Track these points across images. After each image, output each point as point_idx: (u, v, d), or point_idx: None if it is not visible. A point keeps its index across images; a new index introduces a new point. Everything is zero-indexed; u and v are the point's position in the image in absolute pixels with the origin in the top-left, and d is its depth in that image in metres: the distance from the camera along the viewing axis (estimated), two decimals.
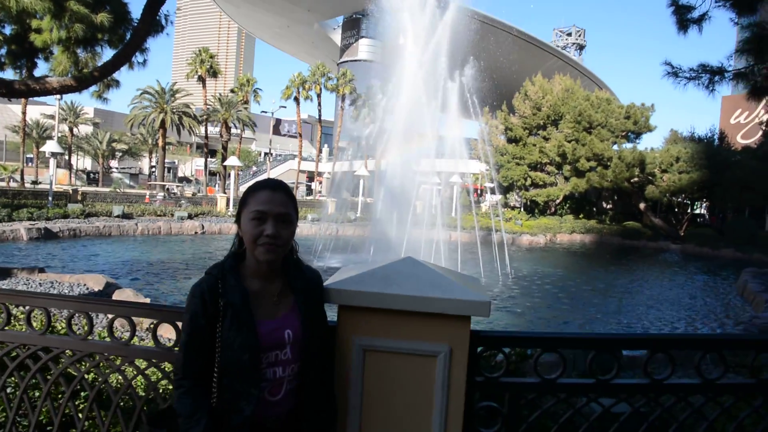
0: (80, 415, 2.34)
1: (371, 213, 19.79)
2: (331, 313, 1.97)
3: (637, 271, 22.10)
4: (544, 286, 16.25)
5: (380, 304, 1.86)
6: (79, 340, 2.29)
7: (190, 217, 28.41)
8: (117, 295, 10.31)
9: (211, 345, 1.75)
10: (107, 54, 9.75)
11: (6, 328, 2.40)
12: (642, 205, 38.43)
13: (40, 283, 11.33)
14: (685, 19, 7.57)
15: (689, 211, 42.00)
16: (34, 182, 46.51)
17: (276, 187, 1.84)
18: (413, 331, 1.87)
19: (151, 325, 2.33)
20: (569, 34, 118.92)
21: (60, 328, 2.92)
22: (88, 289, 11.22)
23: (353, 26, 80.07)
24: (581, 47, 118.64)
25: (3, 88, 7.60)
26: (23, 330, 2.44)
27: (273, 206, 1.78)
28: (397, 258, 2.00)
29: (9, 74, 11.23)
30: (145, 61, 9.68)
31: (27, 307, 2.40)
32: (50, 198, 26.64)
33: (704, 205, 46.17)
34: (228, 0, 77.66)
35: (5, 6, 6.29)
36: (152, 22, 9.50)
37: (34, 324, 2.46)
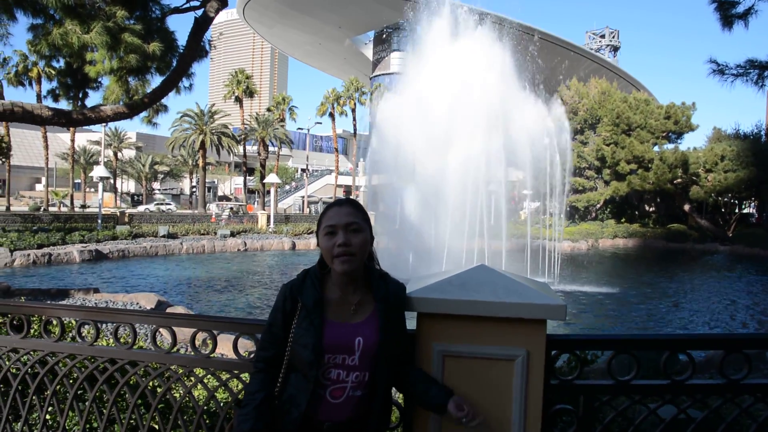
0: (166, 426, 2.46)
1: (408, 224, 19.82)
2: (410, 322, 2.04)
3: (685, 275, 21.49)
4: (590, 292, 15.98)
5: (459, 310, 1.92)
6: (163, 353, 2.42)
7: (232, 234, 29.01)
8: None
9: (284, 338, 1.92)
10: (155, 81, 10.16)
11: (95, 343, 2.56)
12: (686, 207, 37.39)
13: (95, 303, 11.78)
14: (729, 15, 7.43)
15: (737, 210, 40.62)
16: (83, 206, 48.30)
17: (342, 202, 1.99)
18: (491, 335, 1.93)
19: (211, 337, 2.44)
20: (602, 36, 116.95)
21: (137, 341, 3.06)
22: (140, 307, 11.57)
23: (385, 40, 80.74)
24: (615, 49, 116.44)
25: (63, 119, 8.02)
26: (111, 345, 2.59)
27: (341, 218, 1.92)
28: (471, 266, 2.05)
29: (62, 104, 11.83)
30: (191, 85, 10.04)
31: (113, 324, 2.56)
32: (99, 221, 27.64)
33: (753, 204, 44.58)
34: (260, 21, 79.37)
35: (69, 43, 6.67)
36: (197, 48, 9.88)
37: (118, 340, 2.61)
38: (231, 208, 48.91)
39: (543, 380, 1.93)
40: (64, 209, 44.99)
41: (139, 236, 26.28)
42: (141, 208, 51.46)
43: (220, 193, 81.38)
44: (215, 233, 28.89)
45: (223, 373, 2.38)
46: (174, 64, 9.88)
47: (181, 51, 9.79)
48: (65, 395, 2.69)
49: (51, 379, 2.63)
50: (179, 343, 3.10)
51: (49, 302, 9.89)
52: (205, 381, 2.43)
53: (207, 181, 63.38)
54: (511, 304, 1.89)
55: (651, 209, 42.66)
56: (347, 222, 1.91)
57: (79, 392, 2.63)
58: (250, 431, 1.83)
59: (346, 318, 1.93)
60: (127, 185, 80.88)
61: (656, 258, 28.54)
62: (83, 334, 2.62)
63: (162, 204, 57.83)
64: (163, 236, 26.69)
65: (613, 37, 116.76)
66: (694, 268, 24.15)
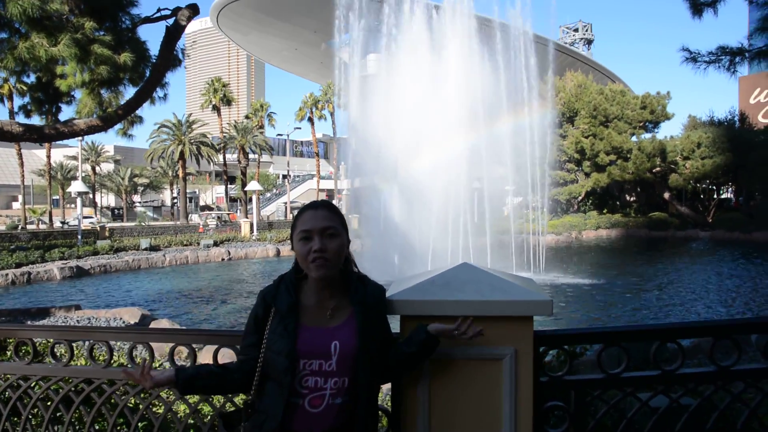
0: None
1: (393, 226, 19.78)
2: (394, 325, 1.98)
3: (668, 262, 21.73)
4: (576, 284, 16.08)
5: (443, 311, 1.86)
6: None
7: (215, 244, 28.70)
8: (153, 326, 10.46)
9: (258, 346, 1.87)
10: (128, 92, 10.00)
11: (70, 363, 2.47)
12: (666, 195, 37.88)
13: (77, 320, 11.54)
14: (698, 2, 7.49)
15: (715, 196, 41.29)
16: (63, 222, 47.51)
17: (318, 206, 1.92)
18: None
19: (196, 351, 2.37)
20: (576, 30, 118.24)
21: (115, 358, 2.97)
22: (124, 322, 11.38)
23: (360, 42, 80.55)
24: (589, 42, 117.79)
25: (34, 134, 7.84)
26: (87, 364, 2.50)
27: (316, 222, 1.85)
28: (453, 265, 2.00)
29: (35, 120, 11.59)
30: (165, 95, 9.90)
31: (88, 342, 2.46)
32: (79, 236, 27.20)
33: (731, 189, 45.36)
34: (235, 28, 78.83)
35: (36, 56, 6.50)
36: (170, 58, 9.74)
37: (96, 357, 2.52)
38: (219, 217, 48.50)
39: (532, 378, 1.89)
40: (42, 226, 44.22)
41: (120, 250, 25.89)
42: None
43: (201, 203, 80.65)
44: (198, 243, 28.58)
45: None
46: (147, 74, 9.74)
47: (154, 61, 9.64)
48: (42, 419, 2.59)
49: (25, 403, 2.53)
50: (161, 358, 3.01)
51: (20, 323, 9.67)
52: (187, 396, 2.35)
53: (188, 191, 62.78)
54: (496, 302, 1.84)
55: (632, 199, 43.15)
56: (323, 226, 1.84)
57: (58, 414, 2.53)
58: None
59: (322, 323, 1.85)
60: (107, 199, 79.83)
61: (639, 247, 28.84)
62: (58, 355, 2.52)
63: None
64: (146, 249, 26.31)
65: (587, 30, 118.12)
66: (676, 255, 24.43)
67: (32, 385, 2.50)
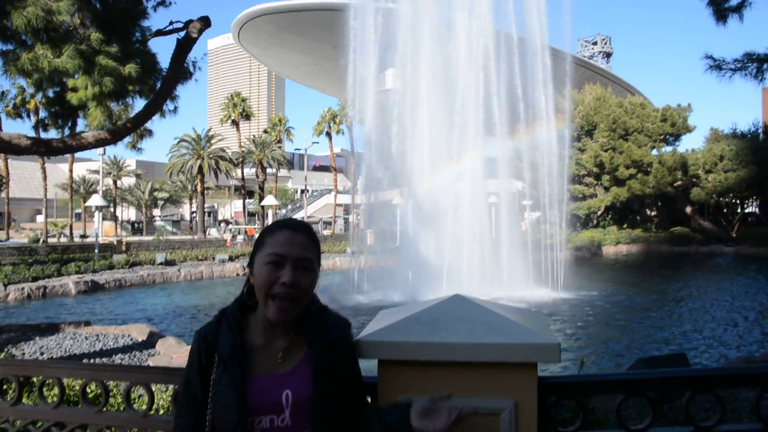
0: None
1: (407, 242, 19.51)
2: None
3: (692, 279, 21.05)
4: (595, 302, 15.58)
5: (427, 355, 1.54)
6: (93, 413, 2.05)
7: (231, 259, 28.65)
8: (160, 344, 10.24)
9: (204, 400, 1.52)
10: (139, 105, 9.90)
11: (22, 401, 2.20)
12: (688, 209, 37.07)
13: (86, 337, 11.37)
14: (722, 8, 7.14)
15: (739, 210, 40.31)
16: (83, 236, 48.02)
17: (297, 227, 1.58)
18: (469, 385, 1.54)
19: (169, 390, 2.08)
20: (595, 43, 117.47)
21: (73, 395, 2.71)
22: (132, 339, 11.18)
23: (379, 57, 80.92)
24: (608, 55, 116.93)
25: (42, 147, 7.75)
26: (35, 403, 2.23)
27: (293, 248, 1.51)
28: (443, 297, 1.68)
29: (52, 134, 11.58)
30: (176, 108, 9.78)
31: (40, 378, 2.20)
32: (96, 251, 27.33)
33: (755, 203, 44.28)
34: (256, 44, 79.69)
35: (39, 67, 6.40)
36: (180, 70, 9.62)
37: (47, 393, 2.26)
38: (245, 231, 48.77)
39: None
40: (63, 240, 44.72)
41: (136, 264, 25.92)
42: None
43: (220, 217, 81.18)
44: (213, 258, 28.55)
45: None
46: (158, 86, 9.63)
47: (164, 73, 9.54)
48: None
49: None
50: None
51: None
52: None
53: (207, 205, 63.25)
54: (491, 344, 1.50)
55: (653, 213, 42.31)
56: (300, 256, 1.51)
57: None
58: None
59: (270, 368, 1.53)
60: (128, 213, 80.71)
61: (661, 262, 28.10)
62: (6, 392, 2.26)
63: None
64: (161, 264, 26.32)
65: (605, 43, 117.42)
66: (700, 271, 23.69)
67: None
